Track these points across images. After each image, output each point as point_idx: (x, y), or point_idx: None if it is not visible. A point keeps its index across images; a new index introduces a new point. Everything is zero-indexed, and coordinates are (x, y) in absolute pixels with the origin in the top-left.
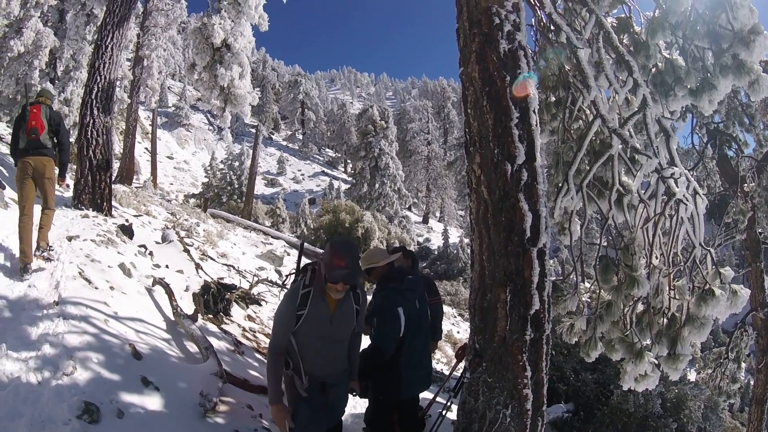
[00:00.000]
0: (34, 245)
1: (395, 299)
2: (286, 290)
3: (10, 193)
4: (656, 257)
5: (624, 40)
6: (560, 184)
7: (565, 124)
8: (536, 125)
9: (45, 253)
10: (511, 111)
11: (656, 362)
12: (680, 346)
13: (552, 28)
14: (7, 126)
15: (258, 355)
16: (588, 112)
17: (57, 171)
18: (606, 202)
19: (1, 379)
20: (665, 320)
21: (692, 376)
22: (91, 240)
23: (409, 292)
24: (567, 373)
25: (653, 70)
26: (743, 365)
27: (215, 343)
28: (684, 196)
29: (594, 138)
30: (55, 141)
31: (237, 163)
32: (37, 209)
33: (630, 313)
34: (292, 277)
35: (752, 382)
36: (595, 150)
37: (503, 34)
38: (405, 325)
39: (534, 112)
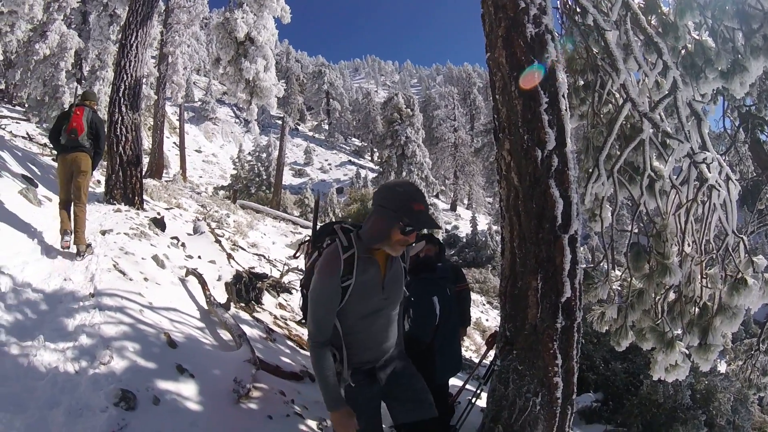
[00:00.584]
0: (73, 248)
1: (431, 289)
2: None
3: (42, 191)
4: (688, 245)
5: (652, 21)
6: (590, 170)
7: (594, 109)
8: (566, 110)
9: (86, 255)
10: (540, 96)
11: (687, 352)
12: (711, 336)
13: (578, 10)
14: (37, 126)
15: (290, 342)
16: (617, 95)
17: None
18: (637, 188)
19: (39, 369)
20: (696, 309)
21: (722, 367)
22: (124, 233)
23: (441, 280)
24: (597, 362)
25: (682, 52)
26: None
27: (248, 330)
28: (716, 181)
29: (624, 122)
30: (94, 143)
31: (264, 155)
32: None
33: (661, 302)
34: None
35: None
36: (625, 134)
37: (529, 18)
38: (439, 313)
39: (563, 96)
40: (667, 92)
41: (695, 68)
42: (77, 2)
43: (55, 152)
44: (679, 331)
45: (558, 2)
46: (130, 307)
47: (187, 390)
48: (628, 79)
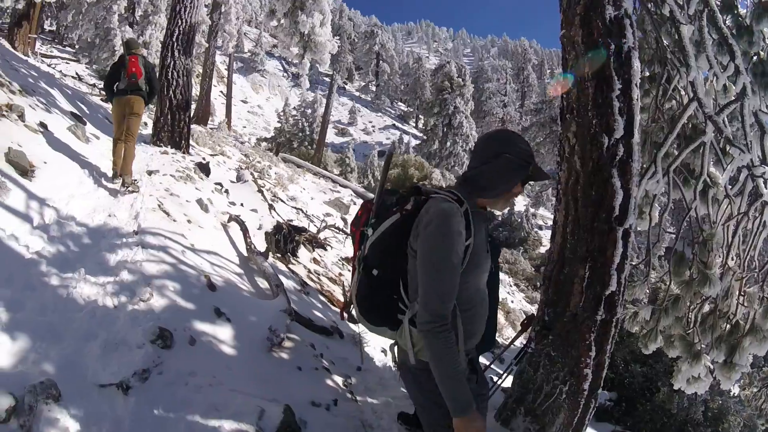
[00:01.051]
0: (119, 181)
1: None
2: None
3: (90, 129)
4: (732, 258)
5: (726, 22)
6: (646, 166)
7: (657, 103)
8: (637, 100)
9: (130, 187)
10: (614, 81)
11: (711, 367)
12: (738, 355)
13: None
14: (86, 67)
15: (321, 297)
16: (683, 92)
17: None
18: (690, 192)
19: (77, 301)
20: (728, 326)
21: (735, 390)
22: (170, 175)
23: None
24: (617, 361)
25: (754, 58)
26: None
27: (283, 281)
28: None
29: (686, 122)
30: (147, 87)
31: (310, 111)
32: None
33: (696, 312)
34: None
35: None
36: (686, 134)
37: (610, 0)
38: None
39: (636, 86)
40: (734, 98)
41: (765, 77)
42: None
43: (104, 93)
44: (706, 345)
45: None
46: (173, 248)
47: (222, 333)
48: (698, 78)
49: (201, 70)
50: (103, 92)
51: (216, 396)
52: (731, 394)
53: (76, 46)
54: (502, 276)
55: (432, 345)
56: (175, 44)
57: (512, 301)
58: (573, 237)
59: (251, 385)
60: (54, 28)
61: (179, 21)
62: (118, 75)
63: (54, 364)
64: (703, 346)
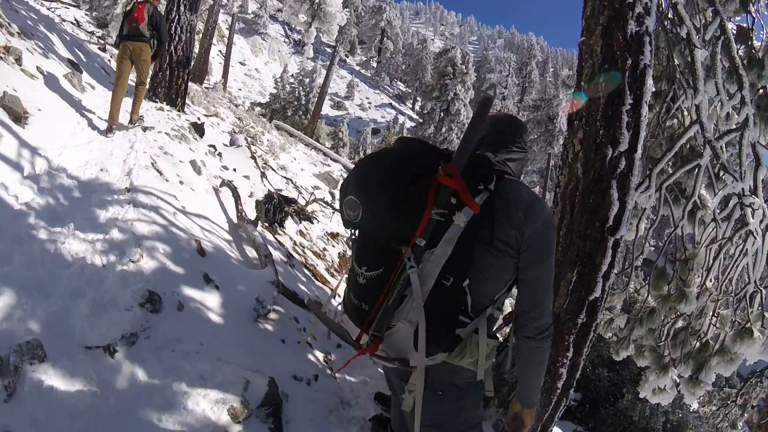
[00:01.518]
0: (127, 117)
1: None
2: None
3: (87, 78)
4: (710, 280)
5: (739, 51)
6: (640, 179)
7: (659, 119)
8: (645, 117)
9: (138, 123)
10: (626, 95)
11: (677, 381)
12: (704, 373)
13: (672, 17)
14: (86, 13)
15: (306, 271)
16: (686, 113)
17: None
18: (680, 210)
19: (65, 257)
20: (698, 344)
21: (695, 406)
22: (165, 133)
23: None
24: (585, 363)
25: (761, 91)
26: (746, 415)
27: (271, 252)
28: (756, 229)
29: (685, 143)
30: (154, 34)
31: (308, 80)
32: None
33: (669, 326)
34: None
35: None
36: (683, 154)
37: (633, 15)
38: None
39: (646, 103)
40: (735, 126)
41: None
42: None
43: (102, 41)
44: (675, 359)
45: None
46: (164, 208)
47: (211, 301)
48: (704, 102)
49: (202, 28)
50: (101, 40)
51: (203, 364)
52: (691, 409)
53: None
54: None
55: (545, 350)
56: None
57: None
58: (565, 241)
59: (237, 355)
60: None
61: None
62: (125, 21)
63: (40, 323)
64: (672, 359)
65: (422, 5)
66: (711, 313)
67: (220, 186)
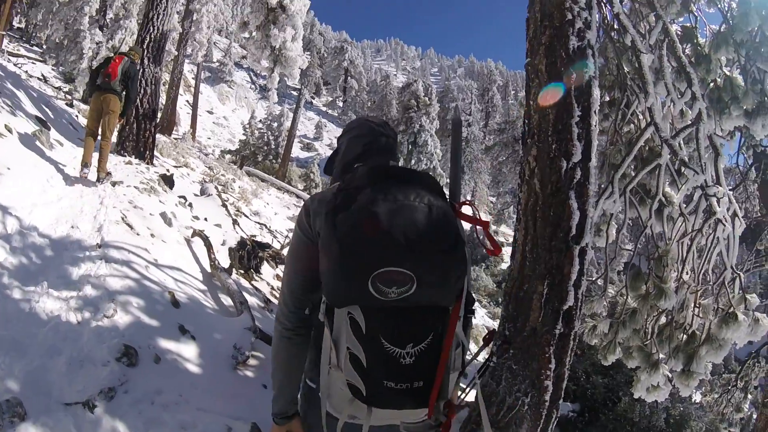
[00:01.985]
0: (95, 176)
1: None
2: None
3: (55, 135)
4: (687, 273)
5: (686, 50)
6: (604, 186)
7: (616, 126)
8: (595, 126)
9: (106, 179)
10: (574, 109)
11: (669, 376)
12: (695, 363)
13: (617, 27)
14: (53, 69)
15: None
16: (641, 117)
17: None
18: (646, 211)
19: (40, 315)
20: (685, 336)
21: (697, 397)
22: (134, 186)
23: None
24: (578, 373)
25: (711, 85)
26: (749, 396)
27: (247, 298)
28: (724, 216)
29: (644, 145)
30: (125, 89)
31: (276, 124)
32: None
33: (652, 324)
34: None
35: (755, 416)
36: (643, 156)
37: (574, 31)
38: None
39: (595, 113)
40: (690, 122)
41: (721, 103)
42: None
43: (69, 96)
44: (665, 355)
45: (598, 16)
46: (136, 262)
47: (187, 351)
48: (656, 104)
49: (168, 79)
50: (68, 96)
51: (183, 414)
52: (692, 400)
53: (44, 46)
54: None
55: None
56: (146, 51)
57: (474, 318)
58: (532, 255)
59: (217, 403)
60: (23, 25)
61: (151, 28)
62: (99, 71)
63: (19, 381)
64: (662, 356)
65: (383, 42)
66: (693, 305)
67: (192, 236)
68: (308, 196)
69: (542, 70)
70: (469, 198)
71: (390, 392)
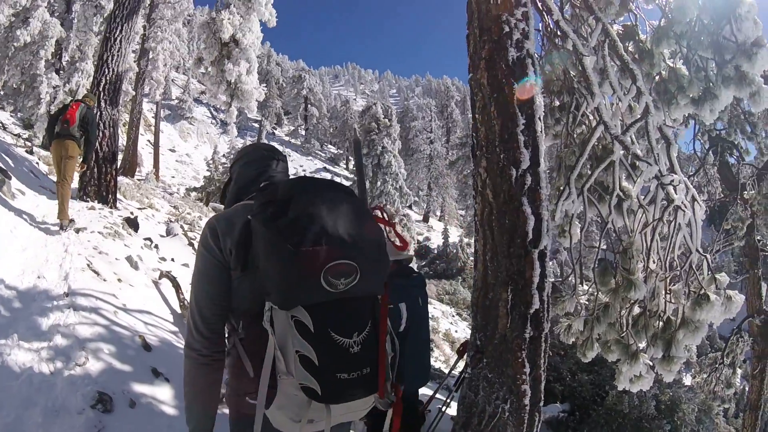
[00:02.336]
0: (57, 225)
1: (399, 295)
2: None
3: (16, 184)
4: (653, 261)
5: (629, 48)
6: (562, 188)
7: (568, 129)
8: (541, 132)
9: (69, 226)
10: (518, 118)
11: (651, 364)
12: (675, 348)
13: (559, 34)
14: (11, 115)
15: None
16: (591, 117)
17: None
18: (606, 207)
19: (13, 368)
20: (661, 323)
21: (688, 380)
22: (98, 232)
23: (415, 288)
24: (563, 373)
25: (657, 78)
26: (739, 371)
27: None
28: (682, 202)
29: (596, 143)
30: (84, 134)
31: None
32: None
33: (626, 316)
34: None
35: (747, 388)
36: (597, 155)
37: (512, 42)
38: (408, 320)
39: (539, 119)
40: (639, 116)
41: (668, 94)
42: None
43: (29, 143)
44: (644, 344)
45: (540, 24)
46: (105, 308)
47: (162, 393)
48: (602, 103)
49: (128, 119)
50: (28, 142)
51: None
52: (683, 384)
53: (1, 93)
54: (444, 307)
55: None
56: (102, 94)
57: (456, 331)
58: (493, 263)
59: None
60: None
61: (106, 70)
62: (57, 118)
63: None
64: (641, 345)
65: (340, 68)
66: (663, 292)
67: (160, 278)
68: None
69: (484, 83)
70: (438, 213)
71: (343, 384)
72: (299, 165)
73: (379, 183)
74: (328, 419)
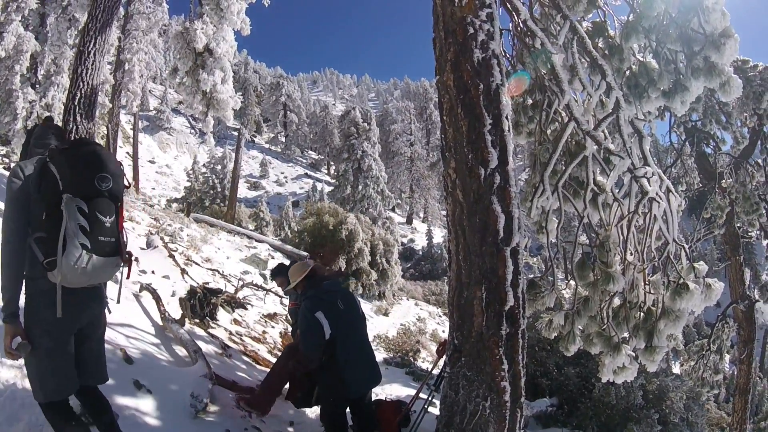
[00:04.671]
0: None
1: (313, 305)
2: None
3: None
4: (630, 253)
5: (599, 44)
6: (537, 185)
7: (541, 127)
8: (509, 131)
9: None
10: (485, 118)
11: (634, 355)
12: (656, 338)
13: (528, 33)
14: None
15: (245, 358)
16: (563, 114)
17: None
18: (581, 202)
19: None
20: (641, 314)
21: (677, 368)
22: None
23: (328, 294)
24: (550, 368)
25: (627, 72)
26: (726, 357)
27: (203, 346)
28: (657, 194)
29: (569, 140)
30: None
31: (219, 167)
32: None
33: (607, 308)
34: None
35: (735, 373)
36: (570, 151)
37: (477, 44)
38: (331, 327)
39: (506, 118)
40: (610, 111)
41: (639, 88)
42: (36, 3)
43: (6, 159)
44: (626, 335)
45: (510, 24)
46: None
47: (145, 405)
48: (572, 99)
49: (105, 132)
50: (6, 159)
51: None
52: (669, 372)
53: None
54: (430, 308)
55: None
56: (77, 108)
57: (443, 331)
58: (466, 263)
59: None
60: None
61: (81, 84)
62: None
63: None
64: (624, 336)
65: (318, 74)
66: (642, 283)
67: (140, 291)
68: (259, 236)
69: (450, 85)
70: (421, 215)
71: (102, 244)
72: (280, 172)
73: (360, 187)
74: (92, 259)
